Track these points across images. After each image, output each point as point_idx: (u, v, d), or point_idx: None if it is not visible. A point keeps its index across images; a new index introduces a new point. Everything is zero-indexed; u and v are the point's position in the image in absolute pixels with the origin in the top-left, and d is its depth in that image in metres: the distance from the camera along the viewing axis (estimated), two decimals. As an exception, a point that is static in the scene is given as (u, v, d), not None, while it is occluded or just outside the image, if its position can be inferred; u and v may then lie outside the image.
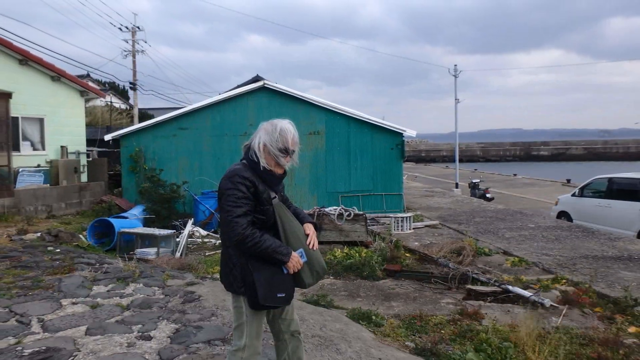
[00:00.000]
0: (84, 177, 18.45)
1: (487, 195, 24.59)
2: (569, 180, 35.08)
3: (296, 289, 3.64)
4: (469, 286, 8.30)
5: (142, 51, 35.52)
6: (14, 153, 15.17)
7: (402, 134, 17.69)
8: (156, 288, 7.46)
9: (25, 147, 16.82)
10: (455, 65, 33.29)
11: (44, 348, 4.98)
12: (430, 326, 6.49)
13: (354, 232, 11.71)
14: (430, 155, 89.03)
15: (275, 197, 3.61)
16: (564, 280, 8.70)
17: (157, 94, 79.20)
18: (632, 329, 6.37)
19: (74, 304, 6.55)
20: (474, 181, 26.81)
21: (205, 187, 16.63)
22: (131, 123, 31.28)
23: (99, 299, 6.78)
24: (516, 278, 8.85)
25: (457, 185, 30.48)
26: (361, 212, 12.19)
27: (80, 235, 12.19)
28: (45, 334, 5.43)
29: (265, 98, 17.44)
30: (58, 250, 10.13)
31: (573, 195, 16.75)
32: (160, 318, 6.04)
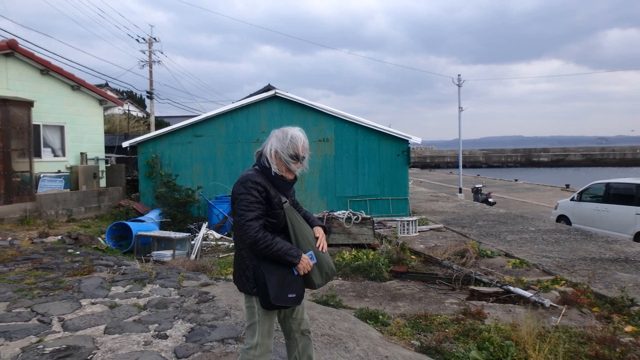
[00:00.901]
0: (102, 183, 18.53)
1: (490, 199, 24.51)
2: (567, 186, 34.94)
3: (306, 289, 3.64)
4: (472, 287, 8.28)
5: (159, 61, 35.67)
6: (35, 159, 15.26)
7: (407, 141, 17.67)
8: (172, 289, 7.48)
9: (46, 153, 16.89)
10: (459, 75, 33.26)
11: (64, 346, 5.00)
12: (434, 325, 6.47)
13: (361, 235, 11.70)
14: (435, 161, 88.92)
15: (286, 201, 3.62)
16: (563, 282, 8.66)
17: (172, 103, 79.44)
18: (628, 328, 6.34)
19: (93, 304, 6.58)
20: (476, 186, 26.75)
21: (219, 192, 16.67)
22: (148, 130, 31.40)
23: (117, 299, 6.81)
24: (517, 279, 8.82)
25: (460, 190, 30.42)
26: (368, 216, 12.18)
27: (99, 238, 12.23)
28: (66, 332, 5.45)
29: (276, 106, 17.49)
30: (78, 252, 10.17)
31: (572, 199, 16.68)
32: (176, 317, 6.05)
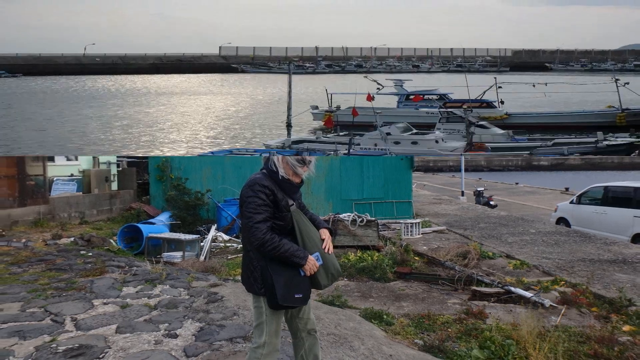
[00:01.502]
0: (114, 186, 18.57)
1: (491, 202, 24.42)
2: (567, 189, 34.76)
3: (312, 290, 3.64)
4: (474, 287, 8.25)
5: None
6: (49, 163, 15.31)
7: (410, 145, 17.68)
8: (182, 289, 7.49)
9: (59, 157, 16.95)
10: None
11: (77, 345, 5.01)
12: (437, 325, 6.46)
13: (366, 237, 11.68)
14: (438, 165, 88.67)
15: (293, 204, 3.62)
16: (563, 282, 8.62)
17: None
18: (626, 328, 6.31)
19: (105, 304, 6.60)
20: (478, 189, 26.64)
21: (227, 195, 16.66)
22: (158, 136, 31.45)
23: (128, 300, 6.82)
24: (518, 280, 8.78)
25: (462, 193, 30.26)
26: (373, 218, 12.15)
27: (111, 240, 12.25)
28: (78, 332, 5.47)
29: (282, 112, 17.52)
30: (90, 254, 10.19)
31: (571, 202, 16.63)
32: (186, 317, 6.06)
